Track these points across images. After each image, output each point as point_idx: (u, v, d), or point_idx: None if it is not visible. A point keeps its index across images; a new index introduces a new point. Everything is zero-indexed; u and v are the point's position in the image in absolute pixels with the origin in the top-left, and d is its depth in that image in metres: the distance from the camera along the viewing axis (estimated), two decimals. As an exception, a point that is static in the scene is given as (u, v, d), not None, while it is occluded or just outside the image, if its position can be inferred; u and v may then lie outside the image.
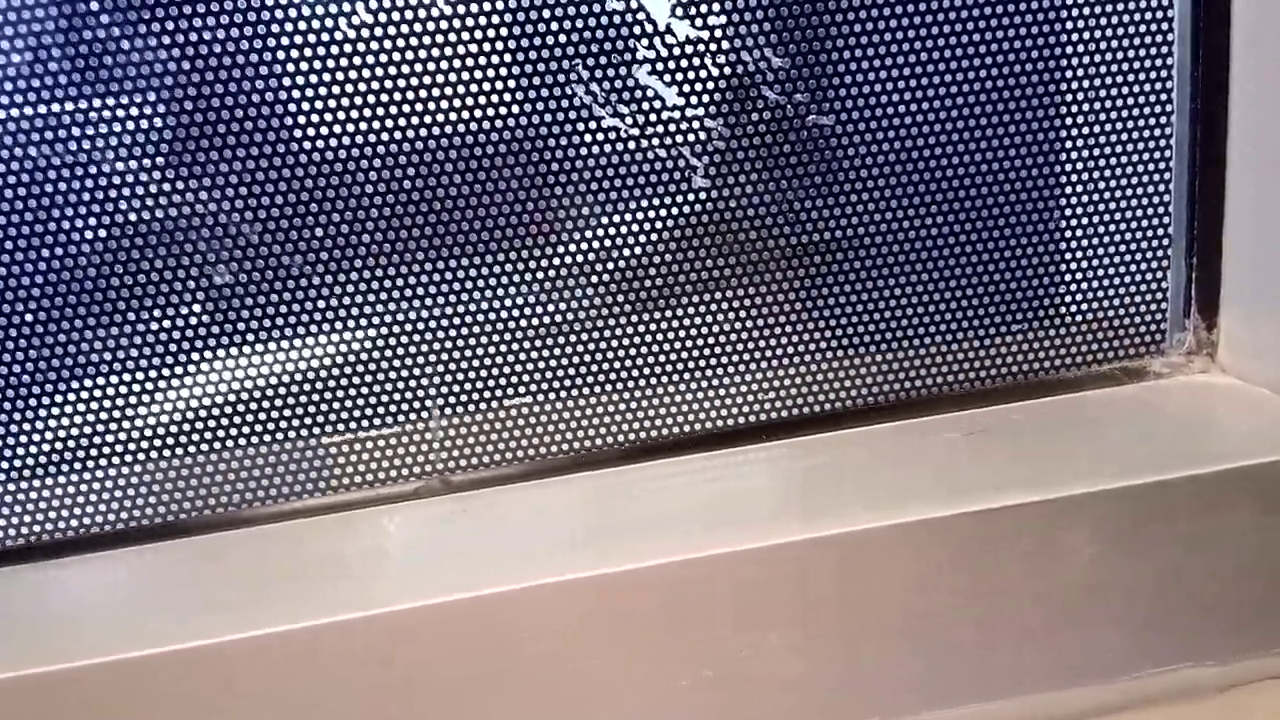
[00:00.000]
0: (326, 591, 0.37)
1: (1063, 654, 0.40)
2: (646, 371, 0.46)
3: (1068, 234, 0.47)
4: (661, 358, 0.46)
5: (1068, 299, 0.48)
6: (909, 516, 0.38)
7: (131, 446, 0.44)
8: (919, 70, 0.44)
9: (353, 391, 0.44)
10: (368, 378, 0.44)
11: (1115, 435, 0.43)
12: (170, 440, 0.44)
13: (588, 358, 0.46)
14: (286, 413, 0.44)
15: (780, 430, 0.46)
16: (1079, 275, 0.47)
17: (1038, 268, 0.47)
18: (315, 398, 0.44)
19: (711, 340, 0.46)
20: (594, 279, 0.45)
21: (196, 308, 0.43)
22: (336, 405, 0.44)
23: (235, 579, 0.40)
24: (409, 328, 0.44)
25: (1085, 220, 0.47)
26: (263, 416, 0.44)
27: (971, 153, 0.46)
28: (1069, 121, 0.46)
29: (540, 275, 0.44)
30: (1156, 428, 0.43)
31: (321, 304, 0.43)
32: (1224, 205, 0.46)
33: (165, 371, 0.43)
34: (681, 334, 0.46)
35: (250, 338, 0.43)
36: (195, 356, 0.43)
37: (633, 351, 0.46)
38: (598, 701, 0.37)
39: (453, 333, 0.44)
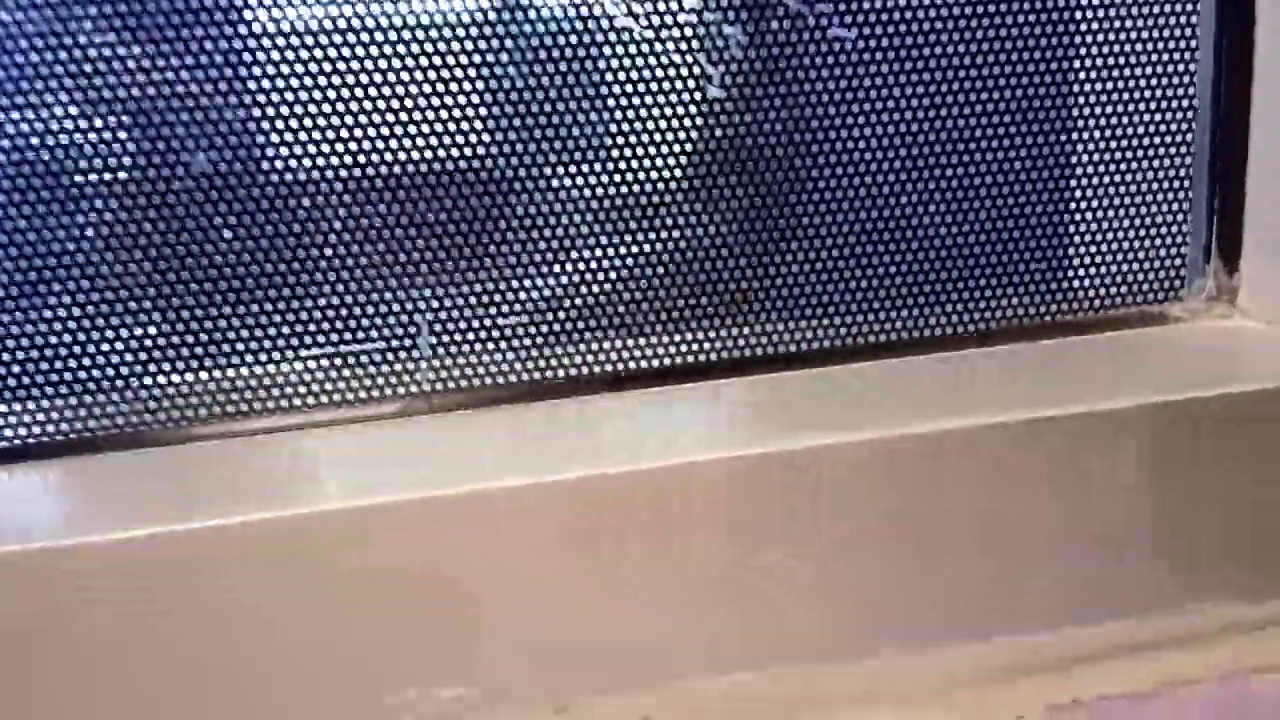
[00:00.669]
0: (272, 493, 0.34)
1: (1088, 586, 0.37)
2: (652, 292, 0.44)
3: (1083, 172, 0.46)
4: (675, 274, 0.43)
5: (1082, 239, 0.46)
6: (929, 427, 0.35)
7: (102, 358, 0.40)
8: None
9: (335, 301, 0.41)
10: (353, 286, 0.41)
11: (1137, 366, 0.41)
12: (140, 352, 0.41)
13: (588, 276, 0.43)
14: (264, 321, 0.41)
15: (785, 363, 0.44)
16: (1095, 214, 0.46)
17: (1052, 205, 0.46)
18: (296, 308, 0.41)
19: (723, 263, 0.44)
20: (596, 190, 0.42)
21: (170, 198, 0.40)
22: (318, 316, 0.41)
23: (190, 486, 0.36)
24: (399, 234, 0.41)
25: (1103, 159, 0.45)
26: (224, 328, 0.41)
27: (992, 87, 0.44)
28: (1090, 56, 0.45)
29: (541, 183, 0.42)
30: (1179, 360, 0.42)
31: (305, 200, 0.40)
32: (1248, 144, 0.45)
33: (140, 279, 0.40)
34: (692, 255, 0.43)
35: (235, 245, 0.40)
36: (168, 263, 0.40)
37: (636, 271, 0.43)
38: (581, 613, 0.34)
39: (446, 242, 0.41)
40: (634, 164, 0.42)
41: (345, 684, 0.33)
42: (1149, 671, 0.37)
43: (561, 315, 0.43)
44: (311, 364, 0.41)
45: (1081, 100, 0.45)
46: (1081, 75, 0.45)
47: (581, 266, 0.43)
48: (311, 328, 0.41)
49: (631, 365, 0.43)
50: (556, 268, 0.43)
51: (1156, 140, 0.45)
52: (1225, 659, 0.38)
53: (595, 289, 0.43)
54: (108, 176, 0.39)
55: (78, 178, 0.40)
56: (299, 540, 0.32)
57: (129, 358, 0.40)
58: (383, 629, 0.33)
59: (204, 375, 0.41)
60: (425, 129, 0.40)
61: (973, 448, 0.35)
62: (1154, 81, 0.45)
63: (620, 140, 0.42)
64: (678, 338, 0.43)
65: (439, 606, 0.33)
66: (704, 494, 0.34)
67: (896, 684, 0.37)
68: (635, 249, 0.43)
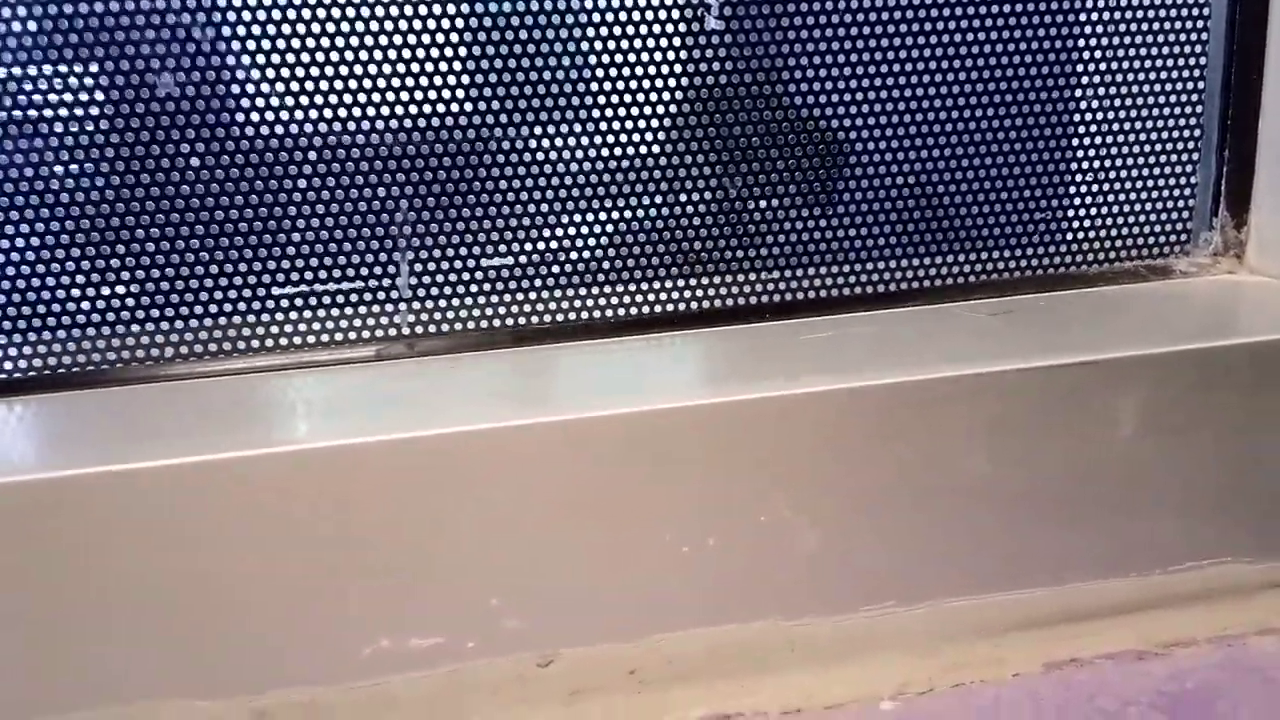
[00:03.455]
0: (272, 428, 0.32)
1: (1088, 542, 0.36)
2: (641, 239, 0.42)
3: (1087, 120, 0.44)
4: (664, 223, 0.42)
5: (1086, 189, 0.44)
6: (924, 374, 0.34)
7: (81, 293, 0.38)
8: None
9: (312, 237, 0.39)
10: (330, 223, 0.39)
11: (1140, 319, 0.40)
12: (110, 292, 0.38)
13: (575, 220, 0.41)
14: (238, 261, 0.39)
15: (790, 311, 0.42)
16: (1098, 164, 0.44)
17: (1054, 154, 0.44)
18: (269, 243, 0.39)
19: (713, 212, 0.42)
20: (584, 133, 0.40)
21: (138, 130, 0.37)
22: (292, 253, 0.39)
23: (177, 420, 0.34)
24: (379, 167, 0.39)
25: (1107, 106, 0.44)
26: (210, 266, 0.39)
27: (993, 30, 0.42)
28: (1100, 0, 0.43)
29: (528, 126, 0.40)
30: (1183, 314, 0.40)
31: (279, 130, 0.38)
32: (1262, 91, 0.43)
33: (119, 219, 0.38)
34: (680, 204, 0.42)
35: (204, 177, 0.38)
36: (143, 202, 0.38)
37: (625, 217, 0.42)
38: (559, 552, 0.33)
39: (429, 178, 0.40)
40: (621, 112, 0.40)
41: (317, 633, 0.31)
42: (1149, 630, 0.36)
43: (549, 259, 0.42)
44: (285, 303, 0.39)
45: (1085, 46, 0.43)
46: (1086, 19, 0.43)
47: (570, 207, 0.41)
48: (285, 265, 0.39)
49: (621, 313, 0.41)
50: (544, 208, 0.41)
51: (1164, 87, 0.44)
52: (1227, 619, 0.37)
53: (581, 235, 0.42)
54: (76, 111, 0.37)
55: (42, 113, 0.38)
56: (267, 481, 0.30)
57: (100, 297, 0.38)
58: (355, 576, 0.31)
59: (172, 314, 0.39)
60: (407, 67, 0.38)
61: (969, 397, 0.34)
62: (1164, 25, 0.43)
63: (607, 88, 0.40)
64: (669, 284, 0.42)
65: (414, 553, 0.31)
66: (692, 441, 0.32)
67: (888, 638, 0.35)
68: (624, 195, 0.42)
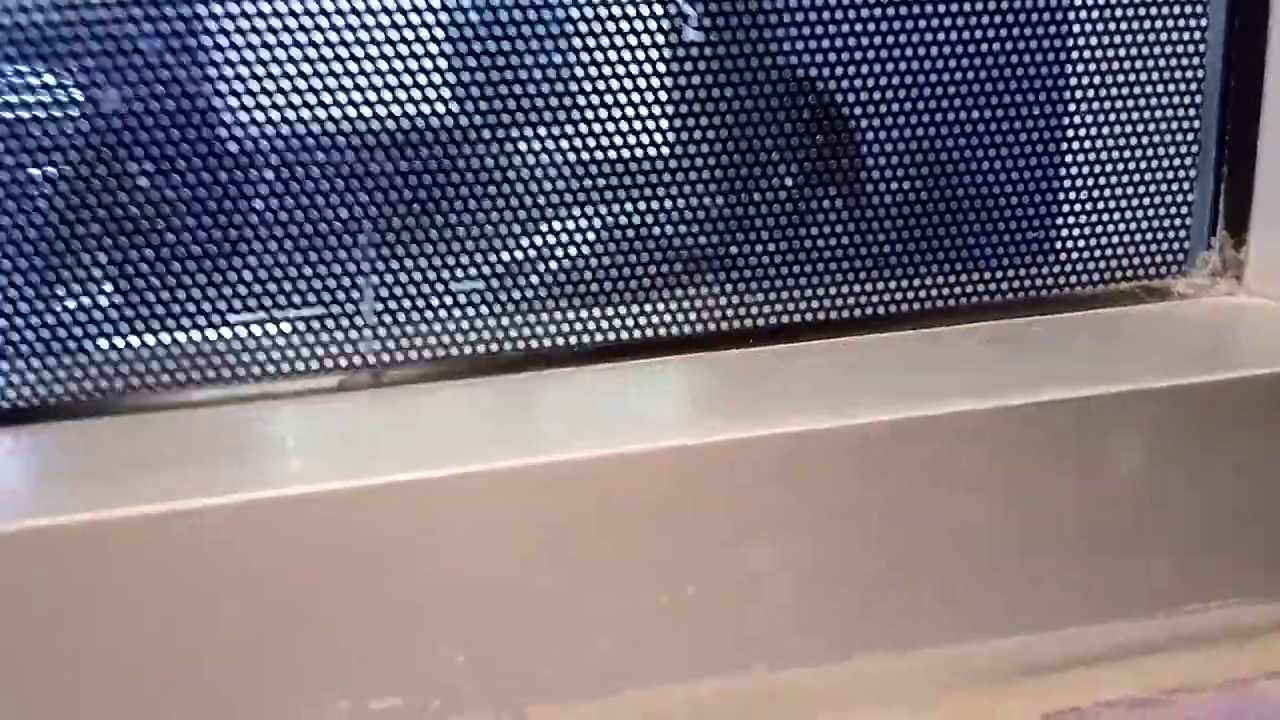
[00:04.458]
0: (219, 473, 0.30)
1: (1086, 585, 0.34)
2: (618, 261, 0.40)
3: (1082, 137, 0.42)
4: (641, 244, 0.40)
5: (1081, 209, 0.43)
6: (916, 412, 0.32)
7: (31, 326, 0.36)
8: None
9: (270, 260, 0.37)
10: (289, 245, 0.37)
11: (1142, 347, 0.38)
12: (65, 318, 0.36)
13: (549, 241, 0.39)
14: (190, 287, 0.36)
15: (775, 336, 0.40)
16: (1094, 183, 0.43)
17: (1048, 173, 0.43)
18: (223, 266, 0.37)
19: (692, 233, 0.40)
20: (561, 147, 0.38)
21: (88, 136, 0.35)
22: (249, 277, 0.37)
23: (118, 462, 0.32)
24: (340, 185, 0.37)
25: (1103, 124, 0.42)
26: (161, 292, 0.36)
27: (987, 47, 0.41)
28: (1092, 15, 0.41)
29: (500, 139, 0.38)
30: (1182, 340, 0.39)
31: (237, 149, 0.36)
32: (1261, 109, 0.42)
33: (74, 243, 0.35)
34: (660, 224, 0.40)
35: (156, 196, 0.36)
36: (94, 227, 0.36)
37: (602, 238, 0.40)
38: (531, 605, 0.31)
39: (394, 196, 0.37)
40: (600, 125, 0.38)
41: (268, 696, 0.29)
42: (1150, 677, 0.35)
43: (521, 283, 0.39)
44: (241, 331, 0.37)
45: (1081, 63, 0.41)
46: (1082, 36, 0.41)
47: (544, 229, 0.39)
48: (241, 290, 0.37)
49: (599, 338, 0.39)
50: (516, 229, 0.39)
51: (1161, 104, 0.42)
52: (1232, 662, 0.35)
53: (556, 258, 0.40)
54: (16, 130, 0.35)
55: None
56: (211, 534, 0.28)
57: (42, 325, 0.36)
58: (309, 633, 0.29)
59: (121, 344, 0.37)
60: (372, 80, 0.36)
61: (962, 435, 0.32)
62: (1160, 36, 0.42)
63: (582, 103, 0.38)
64: (647, 308, 0.40)
65: (373, 608, 0.29)
66: (670, 485, 0.30)
67: (879, 689, 0.34)
68: (602, 213, 0.40)
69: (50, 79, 0.35)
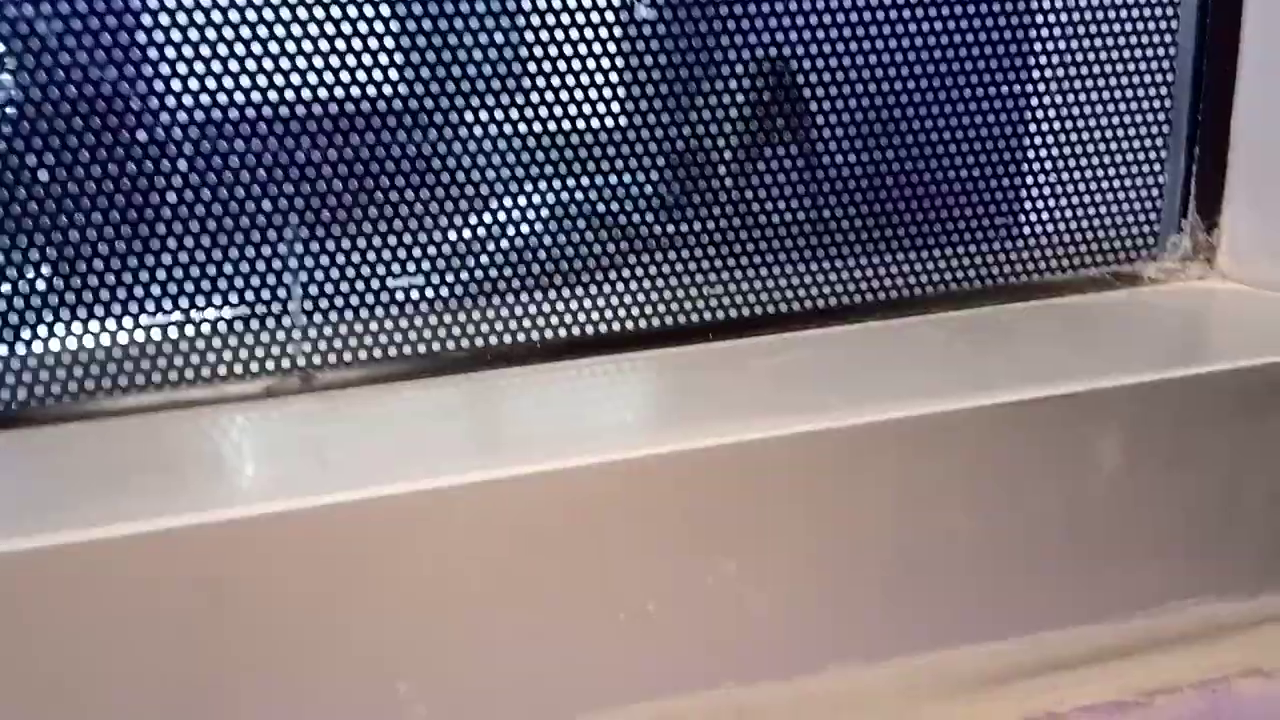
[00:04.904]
0: (145, 496, 0.27)
1: (1061, 588, 0.33)
2: (569, 251, 0.37)
3: (1048, 114, 0.40)
4: (597, 229, 0.37)
5: (1047, 192, 0.41)
6: (900, 413, 0.30)
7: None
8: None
9: (186, 257, 0.34)
10: (207, 240, 0.34)
11: (1115, 338, 0.37)
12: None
13: (494, 230, 0.37)
14: (102, 288, 0.33)
15: (737, 329, 0.38)
16: (1060, 163, 0.41)
17: (1012, 151, 0.41)
18: (135, 265, 0.34)
19: (651, 216, 0.38)
20: (505, 125, 0.36)
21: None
22: (163, 276, 0.34)
23: (21, 482, 0.29)
24: (262, 175, 0.34)
25: (1070, 100, 0.40)
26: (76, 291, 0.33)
27: (948, 20, 0.39)
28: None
29: (439, 119, 0.35)
30: (1157, 330, 0.37)
31: (151, 139, 0.33)
32: (1235, 86, 0.40)
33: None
34: (616, 208, 0.37)
35: (60, 179, 0.32)
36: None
37: (551, 226, 0.37)
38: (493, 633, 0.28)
39: (321, 186, 0.35)
40: (546, 108, 0.35)
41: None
42: (1128, 678, 0.33)
43: (462, 277, 0.37)
44: (156, 333, 0.34)
45: (1046, 39, 0.40)
46: (1051, 14, 0.39)
47: (486, 218, 0.37)
48: (155, 290, 0.34)
49: (549, 335, 0.37)
50: (456, 219, 0.36)
51: (1131, 84, 0.41)
52: (1211, 661, 0.34)
53: (500, 250, 0.37)
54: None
55: None
56: (126, 563, 0.25)
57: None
58: (238, 667, 0.26)
59: (23, 350, 0.33)
60: (297, 59, 0.33)
61: (935, 437, 0.30)
62: (1132, 17, 0.40)
63: (526, 84, 0.35)
64: (600, 301, 0.37)
65: (308, 636, 0.27)
66: (626, 497, 0.28)
67: (853, 700, 0.32)
68: (548, 201, 0.37)
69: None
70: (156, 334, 0.34)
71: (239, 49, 0.32)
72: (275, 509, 0.26)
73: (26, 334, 0.33)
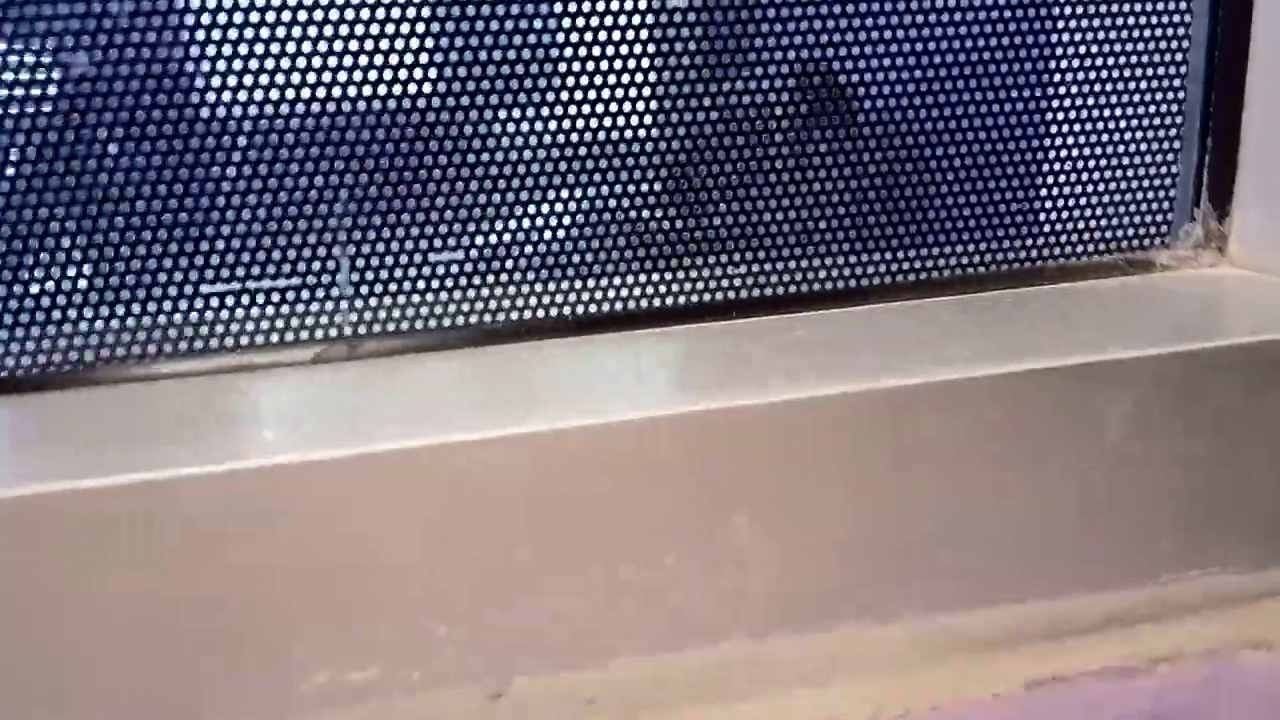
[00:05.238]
0: (193, 443, 0.29)
1: (1069, 555, 0.34)
2: (601, 232, 0.39)
3: (1065, 106, 0.42)
4: (624, 214, 0.39)
5: (1063, 179, 0.43)
6: (899, 381, 0.32)
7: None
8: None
9: (243, 230, 0.36)
10: (264, 214, 0.36)
11: (1125, 318, 0.38)
12: (33, 288, 0.35)
13: (529, 212, 0.39)
14: (161, 256, 0.36)
15: (759, 308, 0.40)
16: (1076, 153, 0.42)
17: (1030, 142, 0.42)
18: (196, 236, 0.36)
19: (676, 204, 0.40)
20: (548, 113, 0.38)
21: (56, 101, 0.34)
22: (221, 247, 0.36)
23: (89, 433, 0.31)
24: (316, 153, 0.36)
25: (1086, 92, 0.42)
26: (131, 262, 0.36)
27: (973, 21, 0.40)
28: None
29: (479, 109, 0.37)
30: (1169, 310, 0.39)
31: (210, 116, 0.35)
32: (1246, 78, 0.41)
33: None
34: (643, 196, 0.39)
35: (126, 164, 0.35)
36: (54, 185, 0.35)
37: (584, 208, 0.39)
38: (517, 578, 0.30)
39: (371, 165, 0.37)
40: (582, 94, 0.37)
41: (247, 666, 0.28)
42: (1134, 646, 0.35)
43: (501, 253, 0.39)
44: (213, 302, 0.36)
45: (1063, 30, 0.41)
46: (1067, 7, 0.41)
47: (525, 197, 0.39)
48: (214, 260, 0.36)
49: (580, 310, 0.39)
50: (496, 199, 0.38)
51: (1146, 76, 0.42)
52: (1215, 633, 0.35)
53: (536, 227, 0.39)
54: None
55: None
56: (188, 503, 0.27)
57: (10, 296, 0.35)
58: (288, 604, 0.28)
59: (90, 314, 0.36)
60: (351, 48, 0.35)
61: (944, 404, 0.32)
62: (1146, 9, 0.41)
63: (563, 69, 0.37)
64: (629, 279, 0.39)
65: (352, 579, 0.29)
66: (654, 453, 0.30)
67: (862, 658, 0.33)
68: (584, 183, 0.39)
69: (17, 45, 0.34)
70: (215, 302, 0.36)
71: (295, 32, 0.35)
72: (322, 456, 0.28)
73: (94, 298, 0.35)
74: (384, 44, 0.36)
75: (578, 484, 0.30)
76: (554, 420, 0.29)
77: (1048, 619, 0.34)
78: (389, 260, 0.38)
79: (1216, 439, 0.34)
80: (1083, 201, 0.43)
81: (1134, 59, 0.42)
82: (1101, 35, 0.41)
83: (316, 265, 0.37)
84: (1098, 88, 0.42)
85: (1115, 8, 0.41)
